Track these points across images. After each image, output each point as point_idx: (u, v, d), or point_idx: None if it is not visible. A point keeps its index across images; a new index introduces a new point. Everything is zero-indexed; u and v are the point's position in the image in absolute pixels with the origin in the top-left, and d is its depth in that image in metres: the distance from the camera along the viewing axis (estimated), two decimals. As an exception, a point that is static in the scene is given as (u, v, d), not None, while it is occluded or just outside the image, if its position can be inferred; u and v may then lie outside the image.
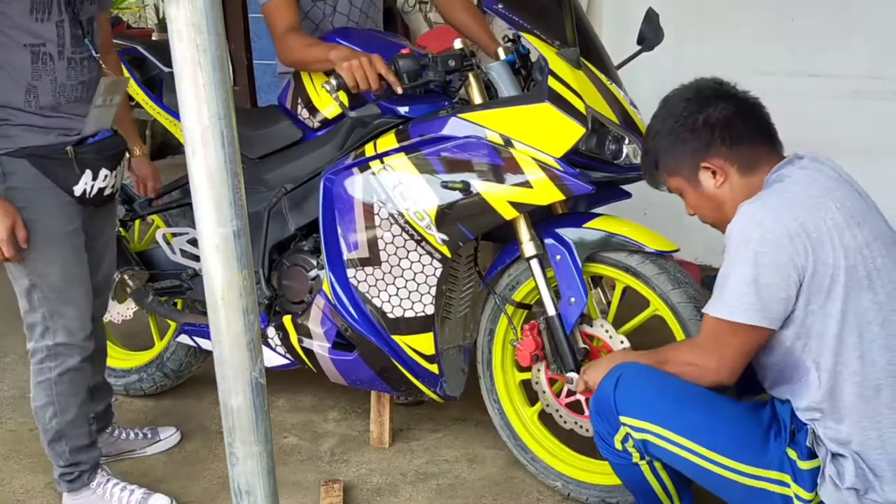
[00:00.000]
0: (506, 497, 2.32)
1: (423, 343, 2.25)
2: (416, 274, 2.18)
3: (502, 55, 2.24)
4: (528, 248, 2.10)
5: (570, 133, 1.97)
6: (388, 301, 2.23)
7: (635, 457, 1.77)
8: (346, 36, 2.38)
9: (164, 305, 2.70)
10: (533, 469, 2.33)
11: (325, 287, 2.31)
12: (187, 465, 2.52)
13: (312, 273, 2.40)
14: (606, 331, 2.10)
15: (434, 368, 2.27)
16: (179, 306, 2.80)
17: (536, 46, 2.06)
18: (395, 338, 2.26)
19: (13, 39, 1.92)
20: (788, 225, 1.55)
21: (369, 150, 2.20)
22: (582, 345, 2.12)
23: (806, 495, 1.61)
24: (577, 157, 2.01)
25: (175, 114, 2.64)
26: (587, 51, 2.10)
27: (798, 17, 3.49)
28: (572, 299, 2.07)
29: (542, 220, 2.16)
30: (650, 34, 2.25)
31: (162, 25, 6.59)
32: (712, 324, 1.67)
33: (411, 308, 2.22)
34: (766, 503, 1.66)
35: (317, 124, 2.42)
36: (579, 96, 1.98)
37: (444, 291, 2.25)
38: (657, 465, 1.78)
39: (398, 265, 2.19)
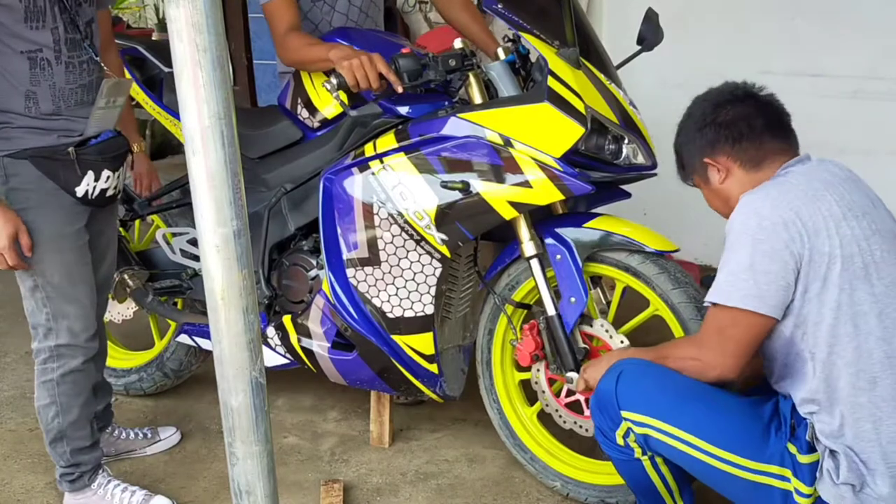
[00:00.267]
0: (505, 497, 2.32)
1: (422, 343, 2.25)
2: (415, 274, 2.18)
3: (502, 55, 2.24)
4: (528, 247, 2.10)
5: (569, 133, 1.97)
6: (388, 301, 2.23)
7: (637, 452, 1.78)
8: (346, 36, 2.38)
9: (164, 305, 2.70)
10: (532, 469, 2.33)
11: (325, 287, 2.31)
12: (187, 464, 2.52)
13: (312, 273, 2.41)
14: (606, 331, 2.11)
15: (434, 368, 2.28)
16: (179, 306, 2.80)
17: (536, 46, 2.06)
18: (395, 338, 2.26)
19: (10, 47, 1.92)
20: (784, 213, 1.59)
21: (369, 149, 2.20)
22: (582, 345, 2.13)
23: (806, 489, 1.62)
24: (576, 157, 2.01)
25: (175, 113, 2.64)
26: (587, 51, 2.10)
27: (798, 18, 3.49)
28: (572, 299, 2.08)
29: (542, 219, 2.16)
30: (650, 34, 2.25)
31: (162, 25, 6.58)
32: (713, 315, 1.69)
33: (411, 308, 2.22)
34: (767, 498, 1.66)
35: (316, 124, 2.42)
36: (579, 96, 1.98)
37: (444, 291, 2.25)
38: (658, 460, 1.78)
39: (398, 265, 2.19)
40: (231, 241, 1.20)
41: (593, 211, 2.22)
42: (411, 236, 2.15)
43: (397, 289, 2.22)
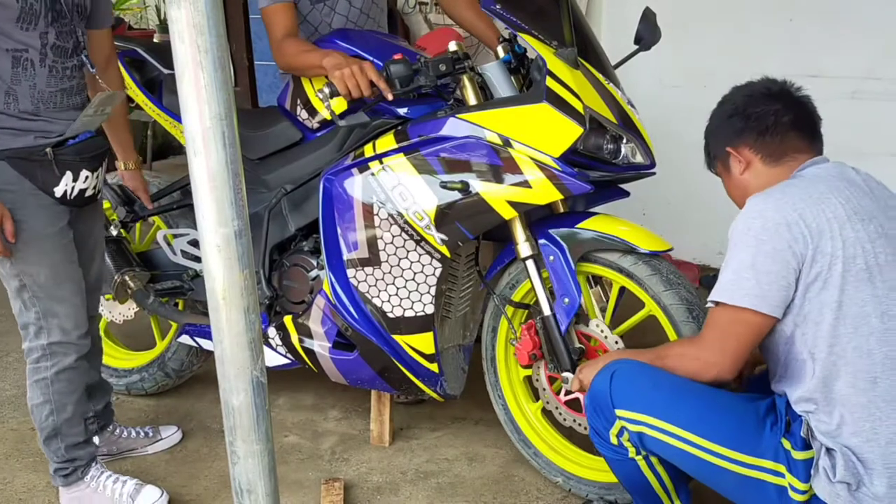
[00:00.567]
0: (505, 495, 2.33)
1: (423, 342, 2.26)
2: (415, 274, 2.19)
3: (502, 54, 2.25)
4: (524, 248, 2.11)
5: (568, 133, 1.98)
6: (388, 301, 2.24)
7: (631, 452, 1.78)
8: (344, 37, 2.39)
9: (166, 306, 2.71)
10: (535, 464, 2.34)
11: (326, 287, 2.32)
12: (188, 463, 2.53)
13: (313, 273, 2.41)
14: (602, 331, 2.11)
15: (434, 367, 2.28)
16: (180, 307, 2.81)
17: (534, 47, 2.07)
18: (396, 337, 2.27)
19: None
20: (788, 214, 1.60)
21: (368, 150, 2.21)
22: (578, 344, 2.14)
23: (800, 486, 1.62)
24: (575, 156, 2.02)
25: (175, 115, 2.65)
26: (585, 51, 2.11)
27: (797, 18, 3.50)
28: (566, 300, 2.09)
29: (538, 219, 2.17)
30: (647, 34, 2.26)
31: (163, 27, 6.58)
32: (714, 314, 1.70)
33: (411, 308, 2.23)
34: (762, 493, 1.67)
35: (316, 125, 2.43)
36: (577, 96, 1.99)
37: (444, 291, 2.26)
38: (653, 459, 1.79)
39: (398, 265, 2.20)
40: (232, 241, 1.21)
41: (591, 210, 2.23)
42: (411, 236, 2.16)
43: (397, 289, 2.22)
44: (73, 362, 2.16)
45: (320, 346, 2.39)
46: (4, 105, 1.97)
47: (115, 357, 2.93)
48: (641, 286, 2.05)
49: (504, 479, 2.40)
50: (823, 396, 1.61)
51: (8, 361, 3.21)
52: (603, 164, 2.07)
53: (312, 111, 2.42)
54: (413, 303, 2.22)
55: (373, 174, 2.17)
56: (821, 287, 1.59)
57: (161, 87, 2.73)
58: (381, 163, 2.16)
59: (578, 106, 1.98)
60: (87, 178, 2.09)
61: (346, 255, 2.26)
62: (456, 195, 2.07)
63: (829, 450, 1.61)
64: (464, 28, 2.68)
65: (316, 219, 2.31)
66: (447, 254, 2.15)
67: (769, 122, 1.75)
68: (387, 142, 2.19)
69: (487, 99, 2.16)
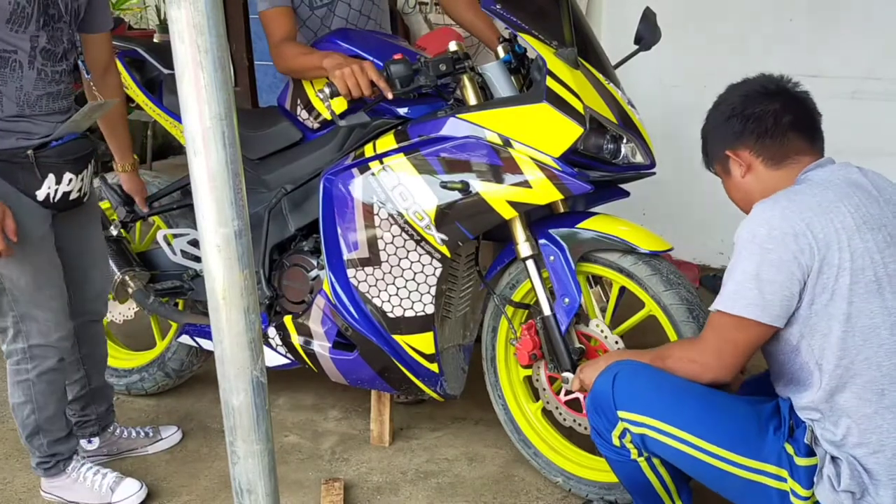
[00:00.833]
0: (505, 495, 2.33)
1: (423, 342, 2.26)
2: (415, 274, 2.19)
3: (502, 54, 2.26)
4: (524, 248, 2.11)
5: (568, 133, 1.98)
6: (389, 301, 2.24)
7: (633, 453, 1.78)
8: (344, 37, 2.39)
9: (166, 306, 2.71)
10: (535, 464, 2.34)
11: (326, 287, 2.32)
12: (188, 463, 2.53)
13: (313, 273, 2.41)
14: (602, 331, 2.11)
15: (434, 367, 2.28)
16: (180, 307, 2.81)
17: (534, 47, 2.07)
18: (396, 337, 2.27)
19: None
20: (795, 224, 1.57)
21: (368, 150, 2.21)
22: (578, 345, 2.14)
23: (803, 492, 1.62)
24: (575, 156, 2.02)
25: (175, 115, 2.65)
26: (585, 51, 2.11)
27: (797, 18, 3.50)
28: (566, 300, 2.09)
29: (538, 220, 2.17)
30: (647, 34, 2.26)
31: (163, 27, 6.58)
32: (715, 319, 1.68)
33: (411, 308, 2.23)
34: (763, 497, 1.66)
35: (316, 125, 2.43)
36: (577, 96, 1.99)
37: (444, 291, 2.26)
38: (655, 461, 1.78)
39: (398, 265, 2.20)
40: (232, 241, 1.21)
41: (591, 210, 2.23)
42: (411, 236, 2.16)
43: (398, 289, 2.22)
44: (55, 364, 2.16)
45: (320, 346, 2.39)
46: None
47: (115, 357, 2.93)
48: (641, 286, 2.05)
49: (504, 479, 2.40)
50: (830, 407, 1.60)
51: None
52: (603, 164, 2.07)
53: (313, 111, 2.42)
54: (413, 303, 2.22)
55: (373, 174, 2.17)
56: (828, 299, 1.57)
57: (161, 87, 2.73)
58: (382, 163, 2.16)
59: (578, 106, 1.98)
60: (70, 180, 2.06)
61: (346, 255, 2.26)
62: (456, 195, 2.07)
63: (833, 458, 1.59)
64: (464, 28, 2.68)
65: (316, 219, 2.31)
66: (447, 254, 2.15)
67: (768, 123, 1.71)
68: (387, 142, 2.19)
69: (487, 99, 2.16)
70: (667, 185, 2.83)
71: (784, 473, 1.64)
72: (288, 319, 2.43)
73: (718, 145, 1.79)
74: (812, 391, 1.62)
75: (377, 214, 2.18)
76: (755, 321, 1.61)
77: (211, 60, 1.14)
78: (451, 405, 2.75)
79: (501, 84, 2.15)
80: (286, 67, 2.40)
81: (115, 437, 2.54)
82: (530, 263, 2.12)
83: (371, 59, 2.26)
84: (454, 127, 2.09)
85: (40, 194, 2.03)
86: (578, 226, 2.09)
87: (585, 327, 2.14)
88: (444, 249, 2.14)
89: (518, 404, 2.37)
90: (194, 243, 2.64)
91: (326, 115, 2.33)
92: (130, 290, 2.67)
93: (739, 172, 1.76)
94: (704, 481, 1.76)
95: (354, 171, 2.21)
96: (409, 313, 2.24)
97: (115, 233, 2.65)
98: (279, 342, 2.47)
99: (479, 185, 2.05)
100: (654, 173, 2.15)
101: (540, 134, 2.00)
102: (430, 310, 2.22)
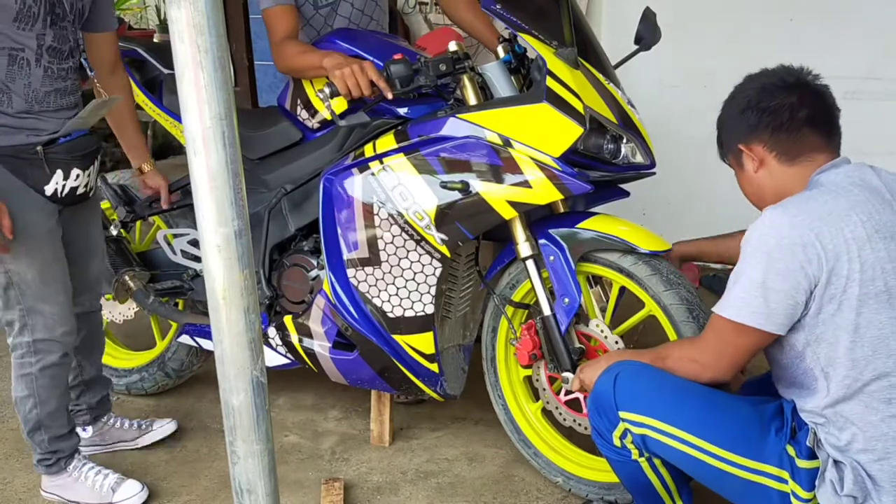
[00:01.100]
0: (505, 495, 2.33)
1: (423, 342, 2.26)
2: (415, 274, 2.19)
3: (502, 54, 2.25)
4: (524, 248, 2.11)
5: (568, 133, 1.98)
6: (388, 301, 2.24)
7: (634, 453, 1.78)
8: (344, 37, 2.39)
9: (166, 306, 2.71)
10: (535, 464, 2.34)
11: (326, 287, 2.32)
12: (189, 463, 2.53)
13: (313, 273, 2.41)
14: (602, 331, 2.11)
15: (434, 367, 2.28)
16: (180, 307, 2.81)
17: (534, 47, 2.07)
18: (396, 337, 2.27)
19: None
20: (804, 235, 1.54)
21: (368, 150, 2.21)
22: (578, 345, 2.14)
23: (804, 494, 1.62)
24: (575, 156, 2.02)
25: (175, 115, 2.65)
26: (585, 51, 2.11)
27: (797, 18, 3.50)
28: (566, 300, 2.09)
29: (538, 220, 2.17)
30: (647, 34, 2.26)
31: (163, 27, 6.58)
32: (717, 322, 1.67)
33: (411, 307, 2.23)
34: (764, 498, 1.66)
35: (316, 125, 2.43)
36: (577, 96, 1.99)
37: (444, 291, 2.26)
38: (656, 461, 1.78)
39: (398, 265, 2.20)
40: (232, 241, 1.21)
41: (591, 210, 2.23)
42: (411, 236, 2.16)
43: (398, 288, 2.22)
44: (58, 359, 2.17)
45: (320, 346, 2.39)
46: None
47: (115, 357, 2.94)
48: (641, 286, 2.05)
49: (504, 479, 2.40)
50: (835, 413, 1.59)
51: (7, 362, 3.20)
52: (603, 164, 2.07)
53: (313, 111, 2.42)
54: (413, 303, 2.22)
55: (373, 174, 2.17)
56: (835, 309, 1.55)
57: (161, 87, 2.73)
58: (382, 163, 2.16)
59: (579, 106, 1.98)
60: (77, 176, 2.09)
61: (346, 255, 2.26)
62: (456, 195, 2.07)
63: (837, 462, 1.59)
64: (463, 29, 2.68)
65: (316, 219, 2.31)
66: (447, 254, 2.15)
67: (784, 117, 1.66)
68: (387, 142, 2.19)
69: (487, 99, 2.16)
70: (667, 185, 2.83)
71: (785, 475, 1.64)
72: (288, 319, 2.43)
73: (732, 138, 1.76)
74: (818, 397, 1.61)
75: (377, 214, 2.18)
76: (759, 329, 1.60)
77: (211, 60, 1.14)
78: (451, 405, 2.75)
79: (501, 84, 2.15)
80: (286, 66, 2.40)
81: (109, 427, 2.56)
82: (530, 263, 2.12)
83: (371, 58, 2.26)
84: (454, 127, 2.09)
85: (48, 189, 2.05)
86: (578, 226, 2.09)
87: (585, 327, 2.14)
88: (444, 249, 2.14)
89: (518, 404, 2.37)
90: (194, 243, 2.64)
91: (326, 114, 2.33)
92: (130, 290, 2.67)
93: (752, 167, 1.73)
94: (705, 482, 1.76)
95: (354, 170, 2.21)
96: (409, 313, 2.24)
97: (115, 233, 2.65)
98: (279, 342, 2.47)
99: (479, 185, 2.05)
100: (654, 173, 2.15)
101: (540, 134, 2.00)
102: (430, 310, 2.22)
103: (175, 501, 2.34)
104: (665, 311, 2.02)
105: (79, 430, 2.47)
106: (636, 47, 2.29)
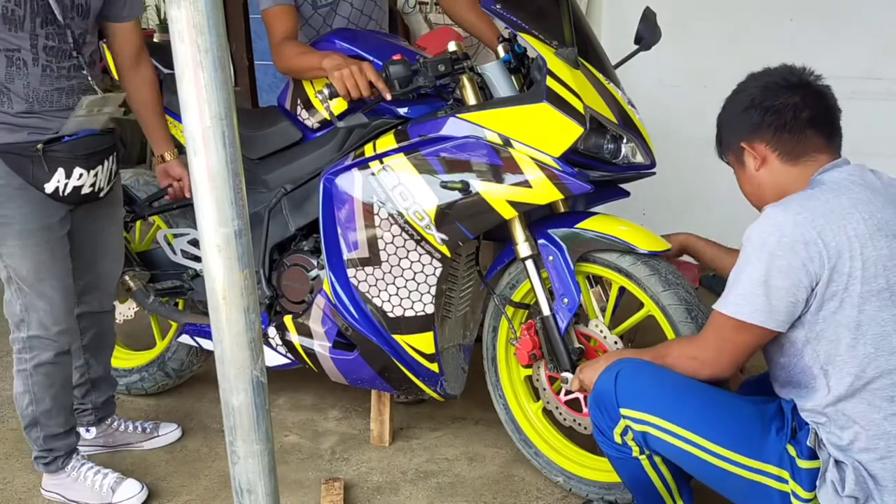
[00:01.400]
0: (505, 495, 2.33)
1: (423, 342, 2.26)
2: (415, 273, 2.19)
3: (502, 53, 2.26)
4: (523, 248, 2.11)
5: (568, 133, 1.98)
6: (389, 300, 2.24)
7: (635, 451, 1.78)
8: (344, 37, 2.39)
9: (166, 306, 2.71)
10: (536, 464, 2.34)
11: (326, 287, 2.32)
12: (189, 463, 2.53)
13: (313, 273, 2.42)
14: (601, 331, 2.11)
15: (434, 367, 2.28)
16: (180, 307, 2.81)
17: (535, 47, 2.07)
18: (396, 337, 2.27)
19: None
20: (806, 232, 1.55)
21: (368, 150, 2.21)
22: (577, 345, 2.14)
23: (804, 494, 1.62)
24: (575, 156, 2.02)
25: (175, 115, 2.65)
26: (585, 50, 2.11)
27: (797, 18, 3.50)
28: (565, 300, 2.09)
29: (538, 220, 2.17)
30: (647, 34, 2.26)
31: (163, 26, 6.58)
32: (718, 319, 1.67)
33: (411, 307, 2.23)
34: (764, 497, 1.66)
35: (316, 125, 2.43)
36: (578, 96, 1.99)
37: (444, 290, 2.26)
38: (657, 459, 1.78)
39: (398, 265, 2.20)
40: (232, 241, 1.21)
41: (590, 210, 2.23)
42: (411, 236, 2.16)
43: (398, 288, 2.22)
44: (52, 358, 2.18)
45: (320, 345, 2.39)
46: None
47: (116, 357, 2.91)
48: (640, 286, 2.05)
49: (504, 479, 2.40)
50: (837, 411, 1.59)
51: (7, 362, 3.20)
52: (603, 164, 2.07)
53: (313, 111, 2.42)
54: (413, 302, 2.22)
55: (373, 174, 2.17)
56: (837, 306, 1.55)
57: (161, 86, 2.72)
58: (382, 162, 2.16)
59: (579, 106, 1.98)
60: (81, 175, 2.08)
61: (346, 255, 2.26)
62: (456, 195, 2.07)
63: (838, 462, 1.59)
64: (463, 28, 2.68)
65: (316, 219, 2.31)
66: (447, 253, 2.15)
67: (787, 117, 1.67)
68: (387, 141, 2.19)
69: (487, 99, 2.16)
70: (667, 185, 2.83)
71: (785, 475, 1.64)
72: (288, 319, 2.43)
73: (734, 136, 1.76)
74: (818, 396, 1.61)
75: (377, 214, 2.18)
76: (760, 327, 1.61)
77: (211, 60, 1.14)
78: (451, 405, 2.75)
79: (501, 84, 2.15)
80: (286, 67, 2.40)
81: (113, 430, 2.56)
82: (530, 263, 2.12)
83: (370, 59, 2.26)
84: (454, 127, 2.09)
85: (48, 187, 2.05)
86: (578, 226, 2.09)
87: (585, 327, 2.14)
88: (445, 249, 2.14)
89: (519, 404, 2.37)
90: (194, 243, 2.64)
91: (326, 115, 2.33)
92: (130, 290, 2.67)
93: (754, 165, 1.73)
94: (705, 480, 1.76)
95: (354, 170, 2.21)
96: (409, 313, 2.24)
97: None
98: (279, 342, 2.47)
99: (479, 185, 2.05)
100: (654, 173, 2.15)
101: (540, 134, 2.00)
102: (430, 310, 2.22)
103: (175, 501, 2.34)
104: (663, 311, 2.02)
105: (82, 430, 2.47)
106: (636, 47, 2.29)
